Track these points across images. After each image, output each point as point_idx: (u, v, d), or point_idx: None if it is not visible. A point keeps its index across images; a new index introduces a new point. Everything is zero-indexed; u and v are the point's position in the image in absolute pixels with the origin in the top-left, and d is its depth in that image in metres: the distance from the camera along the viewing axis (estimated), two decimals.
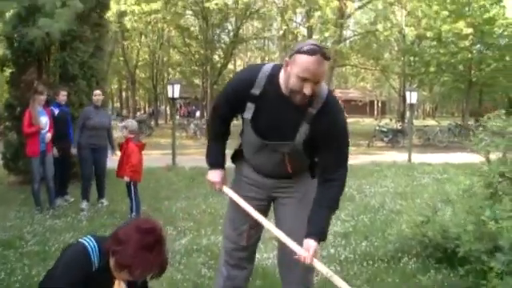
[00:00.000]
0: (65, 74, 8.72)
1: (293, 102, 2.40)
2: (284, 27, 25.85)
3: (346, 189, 8.20)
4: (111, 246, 2.03)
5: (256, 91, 2.51)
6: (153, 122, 28.72)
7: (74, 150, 7.09)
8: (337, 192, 2.53)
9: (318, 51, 2.28)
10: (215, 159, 2.85)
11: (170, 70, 36.74)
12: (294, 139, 2.51)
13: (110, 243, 2.04)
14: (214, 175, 2.82)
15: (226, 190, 2.81)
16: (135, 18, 19.49)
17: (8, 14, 8.13)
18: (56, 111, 7.24)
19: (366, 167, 11.61)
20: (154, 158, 11.77)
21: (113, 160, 7.19)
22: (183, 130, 23.72)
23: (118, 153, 6.73)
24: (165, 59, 34.03)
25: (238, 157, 2.90)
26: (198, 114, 31.10)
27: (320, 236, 2.47)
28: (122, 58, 30.29)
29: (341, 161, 2.53)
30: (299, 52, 2.31)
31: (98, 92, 7.33)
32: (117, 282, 2.11)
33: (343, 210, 6.71)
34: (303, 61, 2.29)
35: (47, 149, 6.79)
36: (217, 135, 2.87)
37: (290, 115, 2.47)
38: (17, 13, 8.03)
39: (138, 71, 35.52)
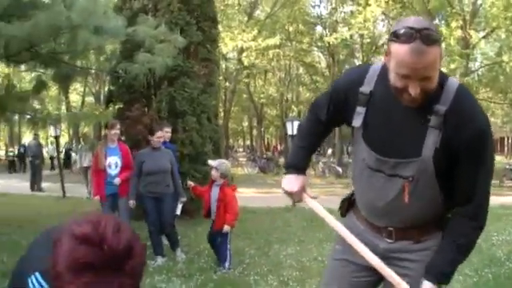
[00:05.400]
0: (173, 110, 8.57)
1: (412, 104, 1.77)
2: None
3: None
4: None
5: (366, 89, 1.90)
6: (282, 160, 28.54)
7: (131, 203, 5.88)
8: (469, 233, 1.84)
9: (414, 36, 1.59)
10: (296, 160, 2.16)
11: (301, 107, 36.47)
12: (420, 154, 1.79)
13: None
14: (292, 183, 2.10)
15: (310, 202, 2.08)
16: (253, 54, 19.35)
17: (110, 51, 8.24)
18: None
19: (494, 211, 10.20)
20: (275, 197, 10.67)
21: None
22: (311, 168, 22.77)
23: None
24: (292, 96, 33.96)
25: (347, 208, 2.22)
26: (329, 151, 29.94)
27: (439, 277, 1.84)
28: (245, 95, 30.59)
29: (476, 188, 1.80)
30: (392, 39, 1.67)
31: (160, 133, 6.03)
32: None
33: (468, 262, 5.66)
34: (397, 52, 1.64)
35: (120, 192, 5.96)
36: (305, 138, 2.19)
37: (411, 121, 1.81)
38: (120, 49, 8.14)
39: (266, 109, 35.86)
